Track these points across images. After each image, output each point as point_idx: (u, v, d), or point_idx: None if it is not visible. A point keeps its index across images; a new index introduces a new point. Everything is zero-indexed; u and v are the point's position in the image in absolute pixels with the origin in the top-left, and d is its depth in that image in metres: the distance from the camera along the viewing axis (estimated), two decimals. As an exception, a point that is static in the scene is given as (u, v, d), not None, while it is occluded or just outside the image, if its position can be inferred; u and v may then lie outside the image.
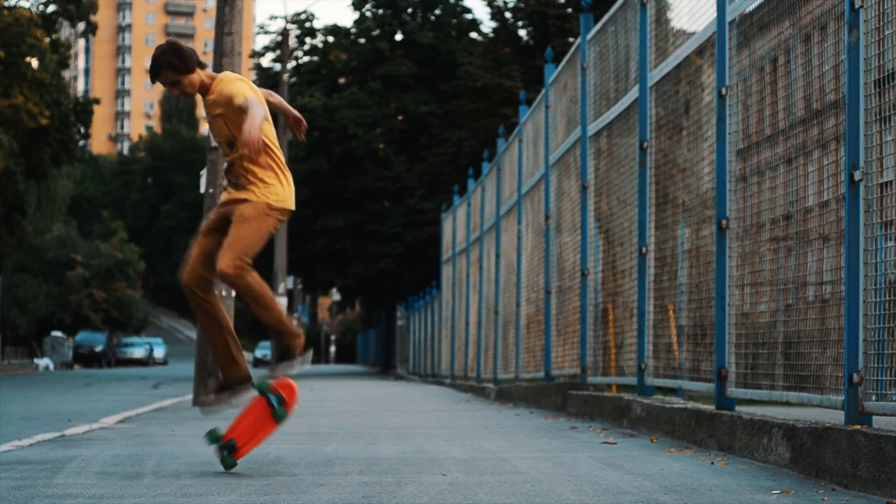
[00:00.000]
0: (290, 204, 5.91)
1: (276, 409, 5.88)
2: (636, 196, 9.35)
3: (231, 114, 5.79)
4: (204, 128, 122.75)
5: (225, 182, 6.04)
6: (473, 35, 46.64)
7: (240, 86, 5.81)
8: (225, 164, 6.04)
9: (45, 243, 72.97)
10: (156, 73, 5.82)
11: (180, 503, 4.76)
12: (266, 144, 5.82)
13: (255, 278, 5.78)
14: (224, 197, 5.94)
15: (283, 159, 5.94)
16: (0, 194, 44.19)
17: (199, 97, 6.01)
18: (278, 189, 5.86)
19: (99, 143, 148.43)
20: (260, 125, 5.61)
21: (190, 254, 5.92)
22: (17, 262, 59.67)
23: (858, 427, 5.03)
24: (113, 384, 27.53)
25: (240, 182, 5.87)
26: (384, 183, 43.77)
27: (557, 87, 13.14)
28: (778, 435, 5.81)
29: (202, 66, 5.89)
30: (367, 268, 44.12)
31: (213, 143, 14.25)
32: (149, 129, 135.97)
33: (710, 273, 7.44)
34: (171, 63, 5.80)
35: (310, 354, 5.97)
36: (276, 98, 6.26)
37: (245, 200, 5.81)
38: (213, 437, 5.96)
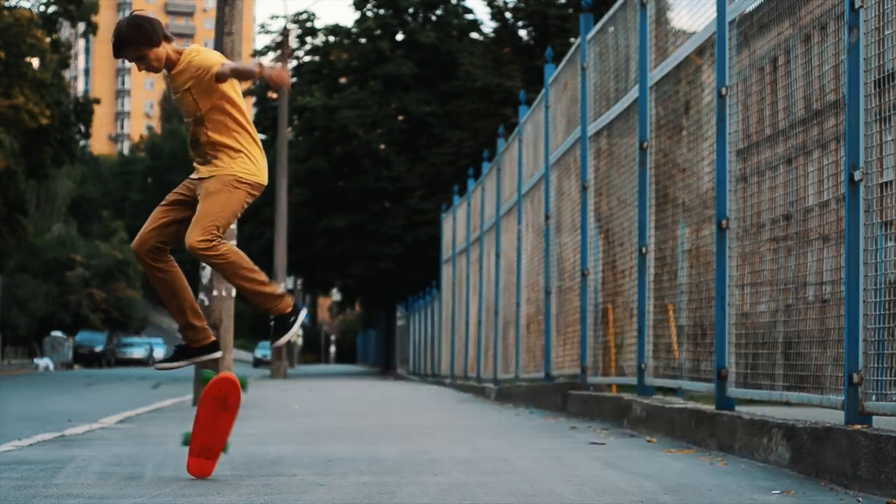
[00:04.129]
0: (262, 178, 5.67)
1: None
2: (636, 196, 9.35)
3: (201, 85, 5.53)
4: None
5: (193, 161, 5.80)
6: (474, 35, 46.65)
7: (215, 56, 5.58)
8: (190, 140, 5.77)
9: (45, 243, 72.94)
10: (118, 49, 5.54)
11: (180, 503, 4.76)
12: (232, 116, 5.61)
13: (228, 248, 5.56)
14: (193, 175, 5.72)
15: (254, 133, 5.72)
16: (1, 194, 44.20)
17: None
18: (247, 163, 5.61)
19: (99, 143, 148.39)
20: (252, 69, 5.48)
21: (146, 222, 5.77)
22: (17, 262, 59.67)
23: (858, 427, 5.03)
24: (113, 384, 27.53)
25: (207, 158, 5.65)
26: (384, 183, 43.77)
27: (557, 87, 13.15)
28: (778, 435, 5.81)
29: (168, 39, 5.55)
30: (367, 268, 44.12)
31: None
32: (149, 129, 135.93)
33: (710, 273, 7.43)
34: (133, 38, 5.49)
35: (304, 313, 5.70)
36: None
37: (212, 177, 5.60)
38: (186, 439, 5.81)
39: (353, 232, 43.88)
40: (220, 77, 5.48)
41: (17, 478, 5.65)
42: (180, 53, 5.57)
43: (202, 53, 5.56)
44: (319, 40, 47.36)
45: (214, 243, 5.50)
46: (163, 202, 5.78)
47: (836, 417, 5.56)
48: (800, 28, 6.25)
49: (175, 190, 5.77)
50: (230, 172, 5.57)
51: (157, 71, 5.58)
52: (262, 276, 5.62)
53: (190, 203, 5.66)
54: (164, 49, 5.52)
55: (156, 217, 5.74)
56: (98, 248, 79.53)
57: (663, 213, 8.79)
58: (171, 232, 5.69)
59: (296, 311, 5.69)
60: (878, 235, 5.12)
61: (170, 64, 5.57)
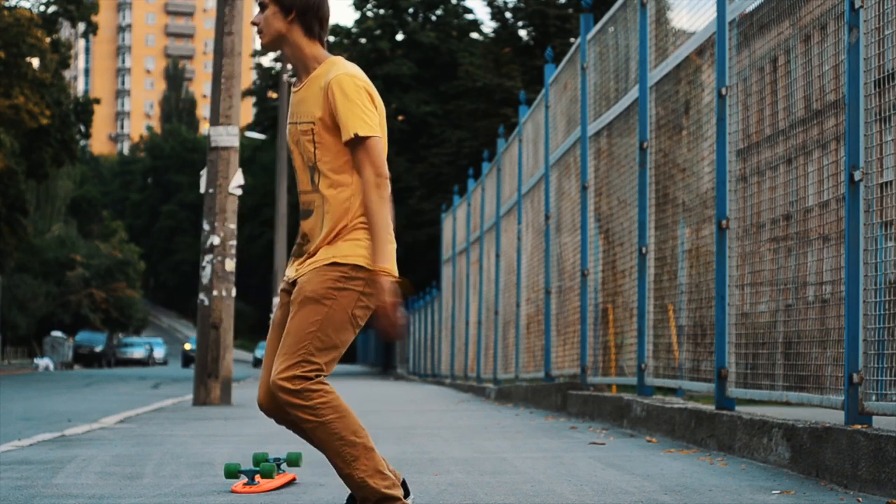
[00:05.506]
0: (384, 262, 3.80)
1: None
2: (636, 196, 9.35)
3: (327, 132, 3.86)
4: (204, 128, 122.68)
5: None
6: (474, 35, 46.68)
7: (361, 105, 3.82)
8: (302, 220, 3.98)
9: (45, 243, 73.01)
10: None
11: (180, 503, 4.76)
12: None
13: (329, 400, 3.81)
14: (288, 272, 3.99)
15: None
16: (1, 194, 44.22)
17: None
18: (365, 243, 3.84)
19: (99, 143, 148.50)
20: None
21: (264, 363, 4.00)
22: (18, 262, 59.70)
23: (858, 427, 5.03)
24: (113, 384, 27.53)
25: (312, 243, 3.92)
26: (384, 183, 43.79)
27: (557, 87, 13.15)
28: (778, 435, 5.80)
29: (311, 32, 3.92)
30: (367, 268, 44.14)
31: (213, 143, 14.19)
32: (149, 129, 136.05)
33: (710, 273, 7.44)
34: None
35: None
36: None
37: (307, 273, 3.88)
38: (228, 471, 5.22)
39: (353, 232, 43.87)
40: (353, 142, 3.85)
41: (17, 478, 5.65)
42: (319, 64, 3.95)
43: (348, 89, 3.83)
44: (319, 40, 47.37)
45: (305, 386, 3.78)
46: (272, 326, 4.02)
47: (836, 417, 5.56)
48: (800, 28, 6.25)
49: (280, 303, 4.02)
50: (330, 259, 3.84)
51: (260, 34, 3.97)
52: (368, 462, 3.81)
53: None
54: (287, 30, 3.92)
55: (269, 354, 3.97)
56: (98, 248, 79.57)
57: (663, 213, 8.79)
58: None
59: None
60: (878, 235, 5.12)
61: (300, 63, 3.98)
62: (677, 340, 8.38)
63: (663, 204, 8.80)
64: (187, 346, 61.71)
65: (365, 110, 3.81)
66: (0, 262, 50.25)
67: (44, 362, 51.00)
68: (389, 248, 3.80)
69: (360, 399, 16.55)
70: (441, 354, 27.55)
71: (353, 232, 3.83)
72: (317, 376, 3.80)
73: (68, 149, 47.98)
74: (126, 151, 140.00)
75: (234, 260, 14.07)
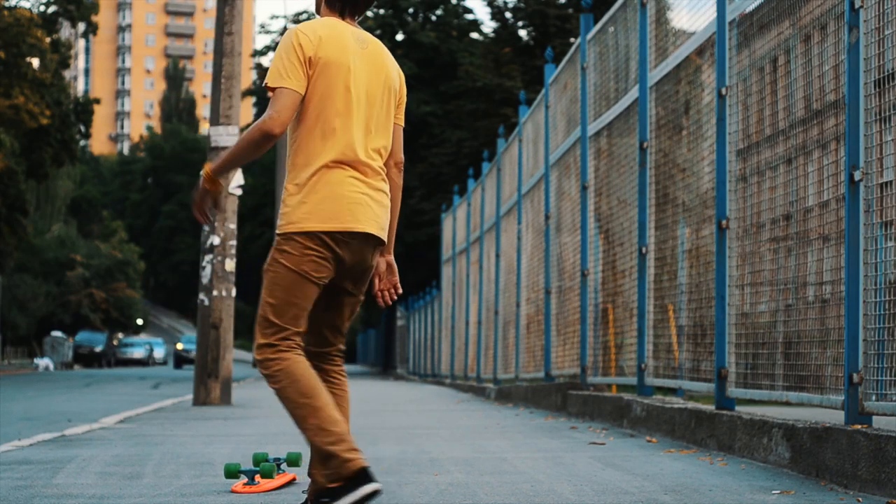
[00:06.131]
0: (310, 222, 3.89)
1: None
2: (636, 196, 9.35)
3: None
4: (204, 128, 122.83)
5: None
6: (474, 35, 46.67)
7: (278, 56, 3.96)
8: None
9: (45, 243, 73.03)
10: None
11: (180, 503, 4.76)
12: (301, 120, 3.99)
13: (284, 367, 3.86)
14: None
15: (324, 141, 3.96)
16: (1, 194, 44.22)
17: None
18: (294, 206, 3.94)
19: (99, 143, 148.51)
20: (222, 169, 3.99)
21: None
22: (17, 262, 59.72)
23: (858, 427, 5.03)
24: (113, 384, 27.53)
25: None
26: (384, 183, 43.75)
27: (557, 87, 13.15)
28: (778, 435, 5.81)
29: (334, 7, 4.10)
30: (367, 268, 44.10)
31: (213, 143, 14.23)
32: (149, 129, 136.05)
33: (710, 273, 7.44)
34: None
35: (368, 489, 3.83)
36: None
37: None
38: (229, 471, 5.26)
39: (352, 232, 43.79)
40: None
41: (17, 478, 5.65)
42: None
43: (287, 32, 4.05)
44: (319, 40, 47.31)
45: (266, 356, 3.90)
46: None
47: (836, 417, 5.56)
48: (800, 28, 6.25)
49: None
50: (277, 231, 3.99)
51: None
52: (314, 420, 3.80)
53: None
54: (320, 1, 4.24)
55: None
56: (98, 248, 79.58)
57: (663, 213, 8.79)
58: (316, 327, 4.11)
59: (350, 486, 3.80)
60: (878, 235, 5.12)
61: None
62: (677, 340, 8.39)
63: (663, 204, 8.80)
64: (179, 346, 58.59)
65: (279, 62, 3.94)
66: (0, 262, 50.26)
67: (44, 362, 50.99)
68: (225, 160, 3.97)
69: (360, 399, 16.56)
70: (441, 354, 27.56)
71: (286, 199, 3.98)
72: (283, 339, 3.91)
73: (68, 149, 47.97)
74: (126, 151, 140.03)
75: (234, 260, 14.07)
